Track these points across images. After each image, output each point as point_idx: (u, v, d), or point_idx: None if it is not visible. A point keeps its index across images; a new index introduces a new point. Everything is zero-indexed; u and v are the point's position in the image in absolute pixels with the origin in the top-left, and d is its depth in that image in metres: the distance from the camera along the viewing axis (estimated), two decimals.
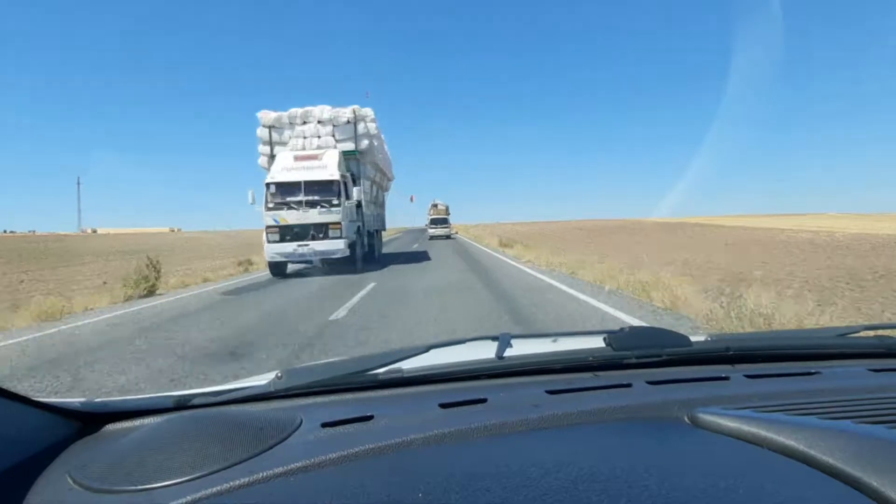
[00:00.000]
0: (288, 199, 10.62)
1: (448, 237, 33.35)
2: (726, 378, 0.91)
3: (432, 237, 32.63)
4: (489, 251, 19.16)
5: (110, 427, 0.82)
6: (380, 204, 15.97)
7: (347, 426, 0.74)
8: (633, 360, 0.97)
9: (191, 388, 1.84)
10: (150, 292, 9.67)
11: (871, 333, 1.12)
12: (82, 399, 0.83)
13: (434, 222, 34.58)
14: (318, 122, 12.11)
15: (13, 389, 0.70)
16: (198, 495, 0.56)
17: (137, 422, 0.83)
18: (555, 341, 1.16)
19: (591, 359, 0.97)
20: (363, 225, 12.52)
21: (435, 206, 39.35)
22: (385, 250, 18.03)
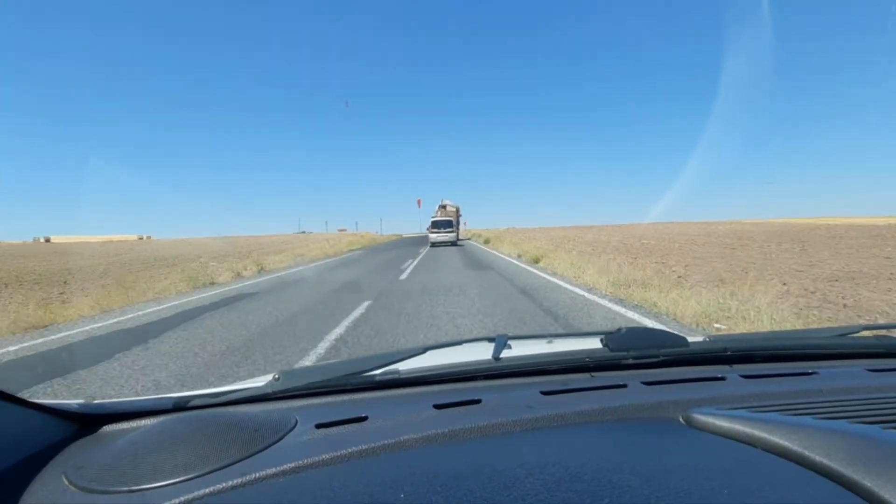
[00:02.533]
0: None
1: (454, 244, 26.96)
2: (722, 378, 0.90)
3: (434, 244, 26.37)
4: None
5: (108, 428, 0.83)
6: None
7: (341, 427, 0.74)
8: (630, 361, 0.97)
9: None
10: None
11: (870, 333, 1.11)
12: (80, 400, 0.84)
13: (436, 226, 27.61)
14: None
15: (13, 392, 0.71)
16: (191, 496, 0.57)
17: (135, 423, 0.84)
18: (551, 342, 1.16)
19: (587, 359, 0.97)
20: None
21: (443, 207, 32.58)
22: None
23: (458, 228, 30.72)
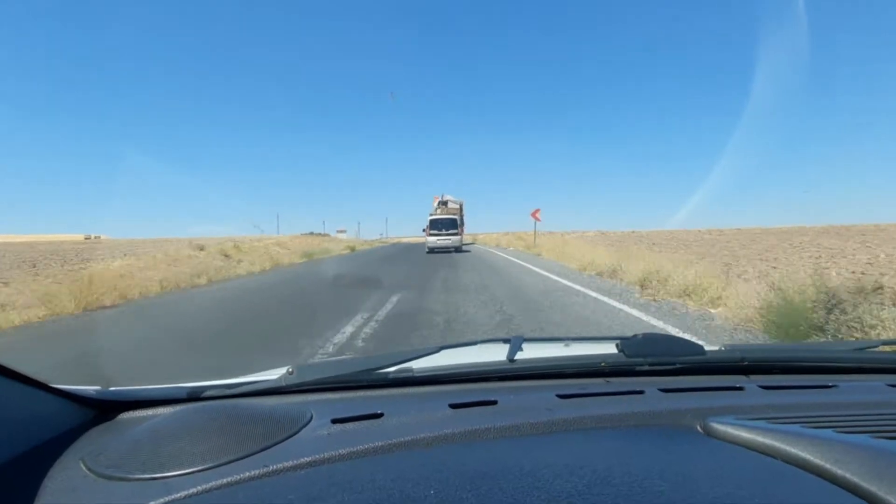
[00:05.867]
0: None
1: (458, 250, 20.94)
2: (741, 388, 0.90)
3: (432, 250, 20.48)
4: None
5: (125, 416, 0.83)
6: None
7: (357, 423, 0.74)
8: (646, 368, 0.97)
9: None
10: None
11: (890, 349, 1.11)
12: (97, 387, 0.84)
13: (436, 226, 21.13)
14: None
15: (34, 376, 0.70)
16: (210, 485, 0.56)
17: (151, 411, 0.84)
18: (567, 346, 1.16)
19: (602, 364, 0.97)
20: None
21: (444, 203, 25.83)
22: None
23: (462, 229, 24.04)
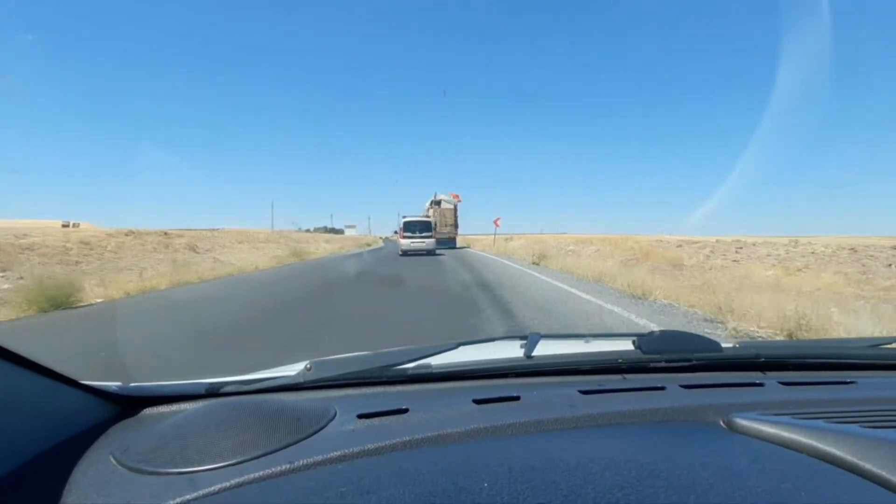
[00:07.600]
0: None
1: (430, 253, 20.22)
2: (761, 385, 0.90)
3: (405, 253, 20.11)
4: None
5: (148, 411, 0.84)
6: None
7: (383, 418, 0.74)
8: (662, 364, 0.97)
9: None
10: None
11: None
12: (118, 383, 0.85)
13: (410, 228, 20.38)
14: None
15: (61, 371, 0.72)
16: (240, 479, 0.57)
17: (174, 407, 0.84)
18: (587, 342, 1.16)
19: (620, 361, 0.97)
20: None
21: (437, 203, 25.69)
22: None
23: (455, 231, 24.88)
